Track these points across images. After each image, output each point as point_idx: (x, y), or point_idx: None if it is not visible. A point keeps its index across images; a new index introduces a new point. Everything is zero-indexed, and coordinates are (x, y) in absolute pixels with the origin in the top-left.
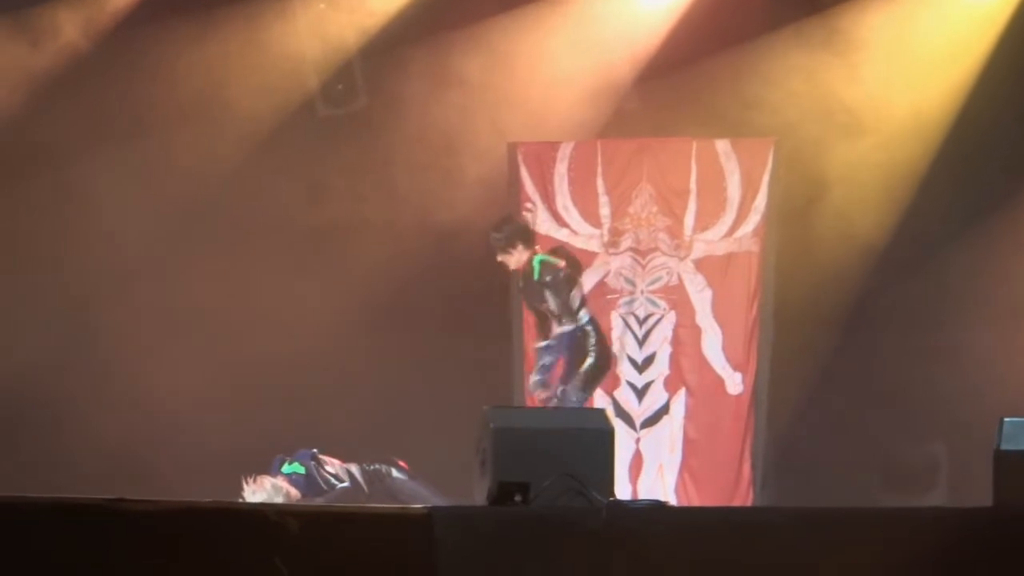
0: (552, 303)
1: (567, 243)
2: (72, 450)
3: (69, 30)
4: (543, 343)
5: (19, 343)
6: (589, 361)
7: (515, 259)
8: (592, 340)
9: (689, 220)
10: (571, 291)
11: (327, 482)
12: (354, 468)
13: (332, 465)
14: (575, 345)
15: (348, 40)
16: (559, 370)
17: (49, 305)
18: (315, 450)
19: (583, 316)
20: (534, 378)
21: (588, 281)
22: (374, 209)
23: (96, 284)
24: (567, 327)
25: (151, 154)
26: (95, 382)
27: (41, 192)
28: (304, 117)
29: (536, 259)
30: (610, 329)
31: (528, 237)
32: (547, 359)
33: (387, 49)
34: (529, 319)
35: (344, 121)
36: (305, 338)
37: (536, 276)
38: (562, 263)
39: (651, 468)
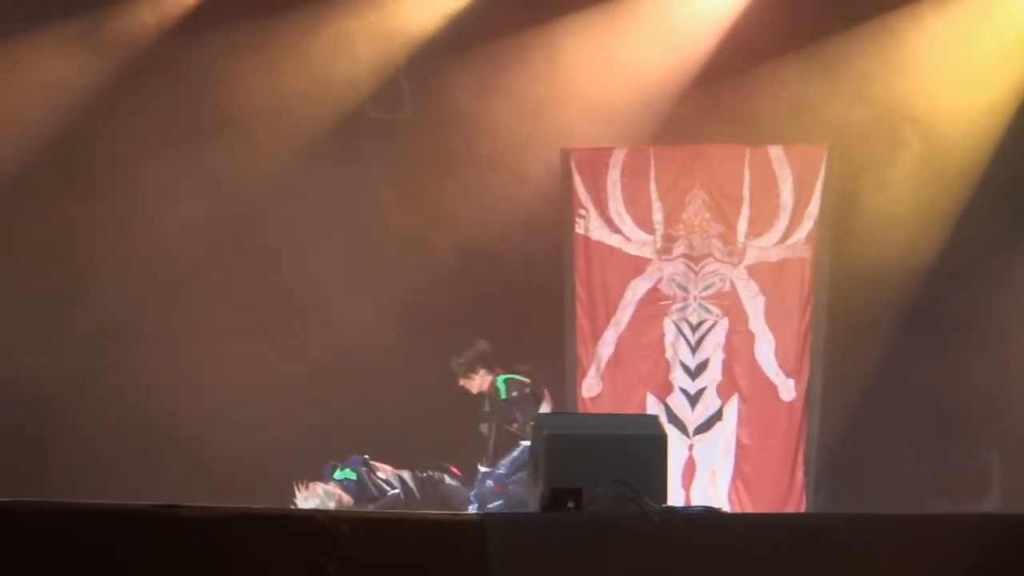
0: (521, 419)
1: (620, 249)
2: (123, 455)
3: (124, 39)
4: (507, 458)
5: (70, 349)
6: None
7: (477, 383)
8: None
9: (742, 226)
10: (538, 407)
11: (379, 488)
12: (406, 474)
13: (384, 471)
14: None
15: (399, 48)
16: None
17: (100, 311)
18: (367, 456)
19: None
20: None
21: (641, 287)
22: (428, 217)
23: (148, 290)
24: (519, 431)
25: (203, 161)
26: (146, 388)
27: (95, 199)
28: (357, 126)
29: (500, 379)
30: (663, 336)
31: (488, 360)
32: (503, 470)
33: (439, 57)
34: (583, 325)
35: (398, 129)
36: (359, 346)
37: (503, 395)
38: (527, 380)
39: (704, 474)
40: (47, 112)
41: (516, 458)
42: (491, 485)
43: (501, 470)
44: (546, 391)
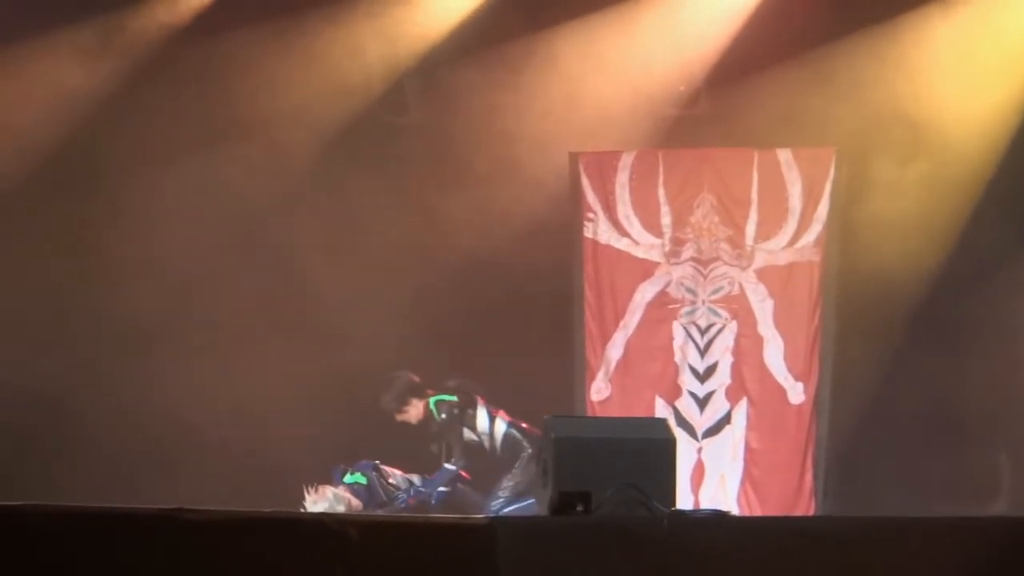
0: (445, 442)
1: (628, 252)
2: (133, 458)
3: (136, 43)
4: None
5: (78, 356)
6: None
7: (413, 414)
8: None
9: (751, 230)
10: (462, 429)
11: (388, 492)
12: (415, 478)
13: (394, 476)
14: (443, 492)
15: (407, 53)
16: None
17: (114, 314)
18: (377, 461)
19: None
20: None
21: (649, 291)
22: (436, 220)
23: (160, 293)
24: (450, 467)
25: (215, 165)
26: (156, 391)
27: (108, 202)
28: (369, 130)
29: (431, 401)
30: (671, 339)
31: (416, 389)
32: (424, 487)
33: (446, 61)
34: (592, 329)
35: (407, 133)
36: (367, 349)
37: (436, 416)
38: (454, 399)
39: (713, 478)
40: (60, 115)
41: (437, 478)
42: (406, 497)
43: (422, 488)
44: (480, 398)
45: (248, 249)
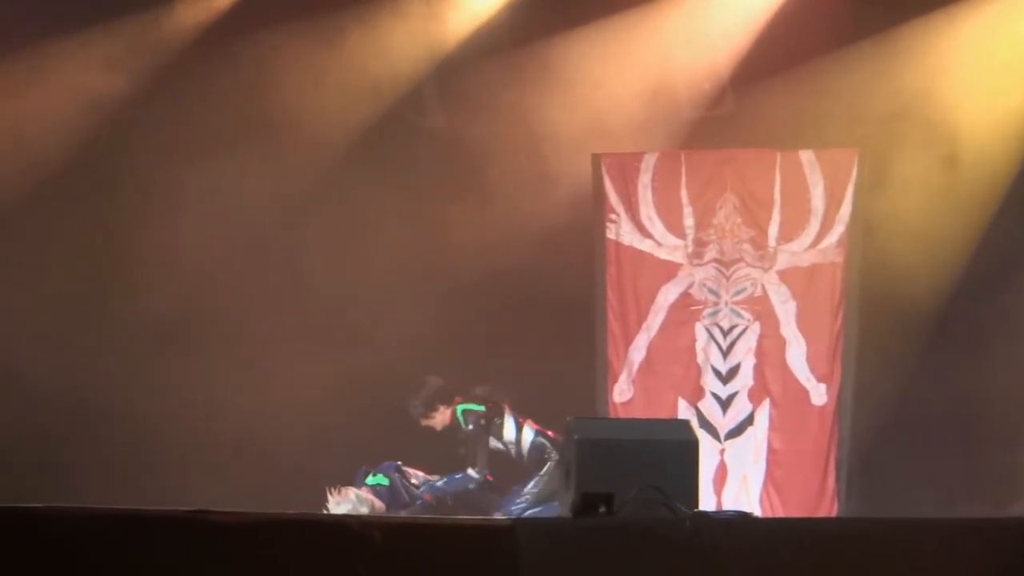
0: (473, 453)
1: (651, 253)
2: (156, 459)
3: (160, 44)
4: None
5: (107, 353)
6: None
7: (439, 420)
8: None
9: (773, 231)
10: (488, 438)
11: (411, 494)
12: (437, 480)
13: (416, 477)
14: (461, 492)
15: (429, 54)
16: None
17: (137, 315)
18: (399, 462)
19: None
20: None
21: (672, 292)
22: (460, 220)
23: (182, 294)
24: (474, 474)
25: (241, 166)
26: (180, 393)
27: (133, 203)
28: (394, 132)
29: (458, 409)
30: (694, 340)
31: (444, 395)
32: (445, 485)
33: (471, 61)
34: (614, 331)
35: (434, 133)
36: (391, 349)
37: (463, 426)
38: (482, 408)
39: (735, 479)
40: (87, 117)
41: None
42: (423, 491)
43: (440, 482)
44: (507, 406)
45: (272, 250)
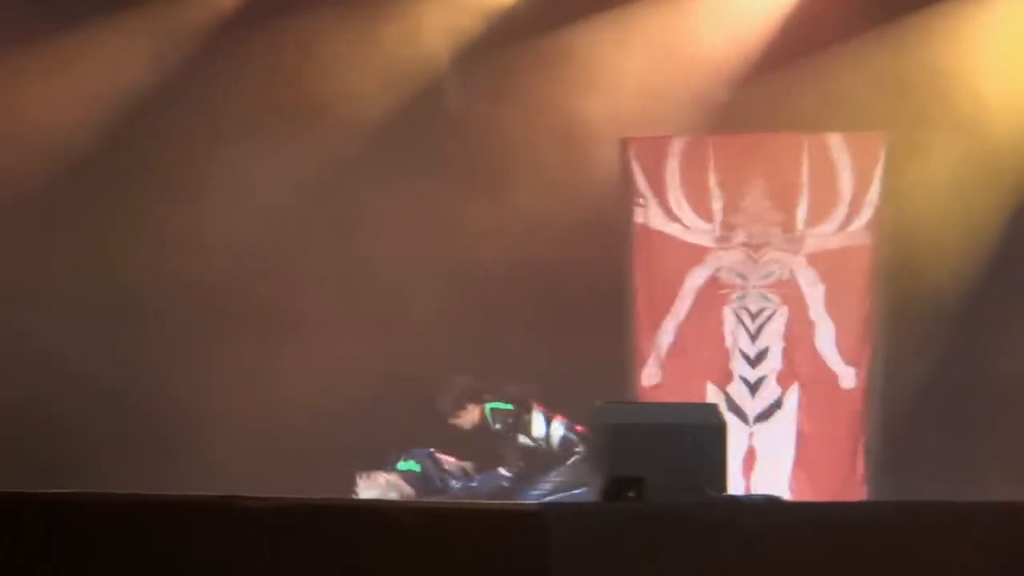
0: (505, 455)
1: (679, 238)
2: (183, 445)
3: (191, 27)
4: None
5: (139, 340)
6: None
7: (467, 419)
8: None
9: (801, 214)
10: (518, 436)
11: (443, 480)
12: (469, 466)
13: (448, 463)
14: (494, 492)
15: (465, 37)
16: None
17: (167, 302)
18: (431, 449)
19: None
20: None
21: (700, 276)
22: (486, 206)
23: (214, 280)
24: (505, 472)
25: (274, 151)
26: (212, 379)
27: (162, 188)
28: (424, 117)
29: (487, 408)
30: (722, 324)
31: (473, 394)
32: (477, 486)
33: (497, 46)
34: (642, 315)
35: (464, 119)
36: (422, 336)
37: (492, 425)
38: (511, 407)
39: (764, 463)
40: (118, 101)
41: (484, 479)
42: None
43: (473, 483)
44: (536, 403)
45: (305, 234)
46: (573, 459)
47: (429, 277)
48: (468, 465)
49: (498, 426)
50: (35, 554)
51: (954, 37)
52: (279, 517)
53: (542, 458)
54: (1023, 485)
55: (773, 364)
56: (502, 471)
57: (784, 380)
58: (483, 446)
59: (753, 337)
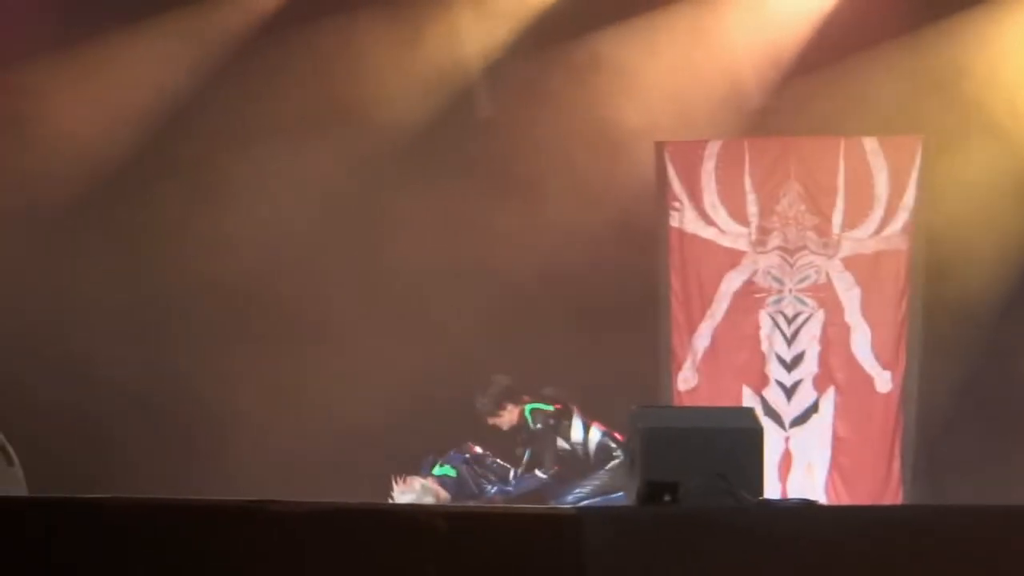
0: (541, 457)
1: (714, 241)
2: (218, 449)
3: (221, 33)
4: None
5: (169, 344)
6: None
7: (507, 419)
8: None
9: (837, 218)
10: (556, 439)
11: (479, 485)
12: (507, 486)
13: (488, 461)
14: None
15: (484, 46)
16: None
17: (196, 305)
18: (467, 455)
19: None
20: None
21: (736, 280)
22: (521, 209)
23: (250, 284)
24: (541, 475)
25: (301, 156)
26: (243, 384)
27: (199, 191)
28: (458, 122)
29: (527, 409)
30: (758, 328)
31: (512, 394)
32: (514, 489)
33: (531, 49)
34: (678, 318)
35: (498, 123)
36: (458, 340)
37: (531, 425)
38: (551, 408)
39: (800, 467)
40: (155, 104)
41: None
42: (493, 494)
43: (509, 487)
44: (575, 408)
45: (342, 239)
46: (611, 464)
47: (462, 282)
48: (506, 466)
49: (538, 426)
50: (65, 560)
51: (988, 40)
52: (312, 522)
53: (579, 463)
54: None
55: (809, 368)
56: (539, 473)
57: (820, 384)
58: (519, 448)
59: (789, 341)
